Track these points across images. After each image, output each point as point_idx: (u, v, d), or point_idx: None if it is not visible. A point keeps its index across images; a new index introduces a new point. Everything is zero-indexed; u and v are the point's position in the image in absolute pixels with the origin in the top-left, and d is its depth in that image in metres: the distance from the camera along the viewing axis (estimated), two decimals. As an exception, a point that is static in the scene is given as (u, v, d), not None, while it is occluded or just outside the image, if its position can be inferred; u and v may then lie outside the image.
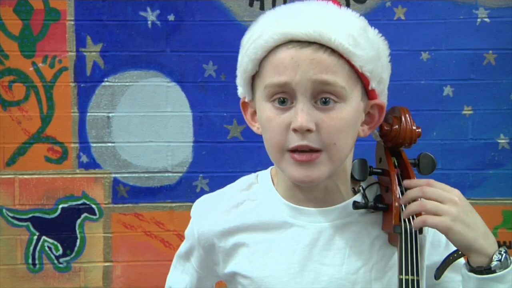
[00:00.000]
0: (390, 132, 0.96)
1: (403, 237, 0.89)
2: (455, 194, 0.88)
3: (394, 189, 0.92)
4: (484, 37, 2.41)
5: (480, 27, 2.41)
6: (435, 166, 0.96)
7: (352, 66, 0.88)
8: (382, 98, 0.94)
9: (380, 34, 0.93)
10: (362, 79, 0.90)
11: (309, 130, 0.87)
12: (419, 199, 0.89)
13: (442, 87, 2.43)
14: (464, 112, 2.44)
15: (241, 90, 0.98)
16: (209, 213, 1.03)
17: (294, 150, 0.89)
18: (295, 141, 0.88)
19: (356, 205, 0.94)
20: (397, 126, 0.95)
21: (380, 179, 0.99)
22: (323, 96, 0.87)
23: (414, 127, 0.95)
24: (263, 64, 0.90)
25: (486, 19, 2.41)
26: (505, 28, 2.41)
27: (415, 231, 0.89)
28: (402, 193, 0.93)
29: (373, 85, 0.90)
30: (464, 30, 2.41)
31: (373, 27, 0.93)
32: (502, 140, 2.45)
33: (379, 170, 0.97)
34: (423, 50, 2.42)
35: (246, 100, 0.98)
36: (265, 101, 0.91)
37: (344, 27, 0.87)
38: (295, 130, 0.87)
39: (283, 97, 0.88)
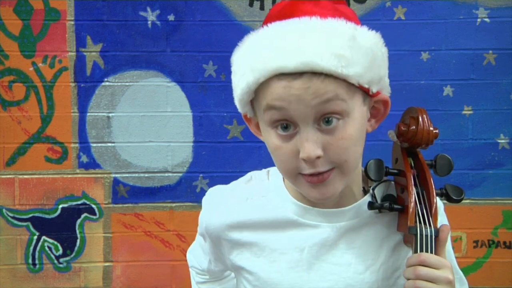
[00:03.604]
0: (407, 133, 0.95)
1: (418, 239, 0.88)
2: (447, 270, 0.86)
3: (410, 190, 0.91)
4: (484, 37, 2.41)
5: (480, 27, 2.41)
6: (452, 168, 0.95)
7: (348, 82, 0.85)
8: (385, 91, 0.92)
9: (371, 29, 0.89)
10: (361, 88, 0.87)
11: (318, 157, 0.85)
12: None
13: (442, 87, 2.43)
14: (464, 112, 2.44)
15: (241, 110, 0.96)
16: (219, 205, 1.03)
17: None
18: (306, 168, 0.87)
19: (372, 206, 0.94)
20: (414, 127, 0.94)
21: (396, 179, 0.99)
22: (325, 117, 0.85)
23: (431, 128, 0.94)
24: (258, 92, 0.88)
25: (486, 19, 2.41)
26: (505, 28, 2.41)
27: (431, 233, 0.89)
28: (418, 195, 0.92)
29: (373, 90, 0.88)
30: (464, 30, 2.42)
31: (361, 25, 0.89)
32: (502, 140, 2.45)
33: (395, 171, 0.97)
34: (423, 50, 2.42)
35: (248, 116, 0.96)
36: (268, 127, 0.89)
37: (332, 46, 0.82)
38: (304, 160, 0.86)
39: (286, 123, 0.86)
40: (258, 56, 0.86)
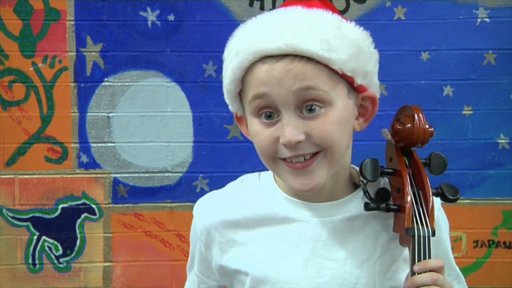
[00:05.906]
0: (402, 131, 0.93)
1: (415, 240, 0.87)
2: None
3: (407, 190, 0.90)
4: (484, 37, 2.41)
5: (480, 27, 2.41)
6: (446, 166, 0.94)
7: (331, 69, 0.86)
8: (373, 89, 0.92)
9: (358, 26, 0.90)
10: (345, 78, 0.88)
11: (299, 142, 0.86)
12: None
13: (442, 87, 2.43)
14: (464, 112, 2.44)
15: (231, 107, 0.97)
16: (211, 207, 1.03)
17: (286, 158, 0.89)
18: (286, 153, 0.88)
19: (368, 207, 0.93)
20: (409, 125, 0.92)
21: (390, 179, 0.97)
22: (308, 104, 0.85)
23: (427, 126, 0.93)
24: (244, 82, 0.90)
25: (486, 19, 2.41)
26: (505, 28, 2.41)
27: (428, 234, 0.88)
28: (415, 194, 0.91)
29: (358, 81, 0.88)
30: (464, 30, 2.42)
31: (349, 21, 0.90)
32: (502, 140, 2.45)
33: (390, 170, 0.95)
34: (423, 50, 2.42)
35: (238, 115, 0.98)
36: (252, 116, 0.90)
37: (316, 32, 0.84)
38: (284, 145, 0.87)
39: (270, 111, 0.87)
40: (244, 41, 0.88)
